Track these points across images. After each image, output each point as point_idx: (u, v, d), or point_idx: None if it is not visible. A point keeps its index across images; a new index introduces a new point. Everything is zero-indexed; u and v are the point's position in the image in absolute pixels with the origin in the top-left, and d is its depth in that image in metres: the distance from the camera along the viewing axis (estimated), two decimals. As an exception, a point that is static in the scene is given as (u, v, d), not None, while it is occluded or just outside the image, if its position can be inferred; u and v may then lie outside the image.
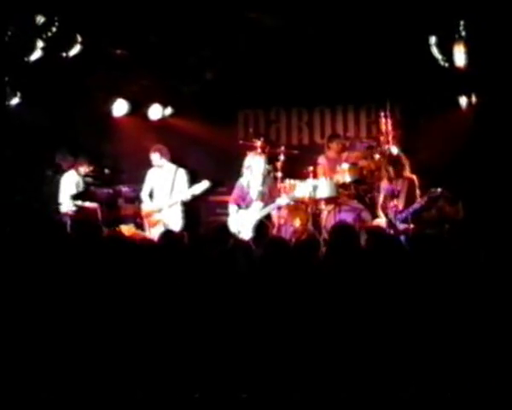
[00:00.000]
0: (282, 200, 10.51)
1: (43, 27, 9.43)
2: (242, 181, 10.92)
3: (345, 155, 11.49)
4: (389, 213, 9.96)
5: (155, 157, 11.17)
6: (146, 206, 11.19)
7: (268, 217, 10.50)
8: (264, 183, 10.68)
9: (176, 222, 10.92)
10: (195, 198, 11.17)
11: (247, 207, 10.67)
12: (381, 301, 4.93)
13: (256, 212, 10.51)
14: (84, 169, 11.11)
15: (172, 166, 11.18)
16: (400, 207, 9.98)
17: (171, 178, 11.08)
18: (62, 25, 9.54)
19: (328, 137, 12.07)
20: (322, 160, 11.56)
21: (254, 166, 10.74)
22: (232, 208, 10.78)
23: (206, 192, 11.21)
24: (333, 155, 11.56)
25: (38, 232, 7.42)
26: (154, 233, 10.30)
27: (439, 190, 9.70)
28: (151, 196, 11.24)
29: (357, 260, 5.60)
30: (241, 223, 10.41)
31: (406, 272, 5.31)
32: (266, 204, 10.55)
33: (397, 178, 10.12)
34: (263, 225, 10.01)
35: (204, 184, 10.77)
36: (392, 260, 5.57)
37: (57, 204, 10.87)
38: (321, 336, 4.82)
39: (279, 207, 10.58)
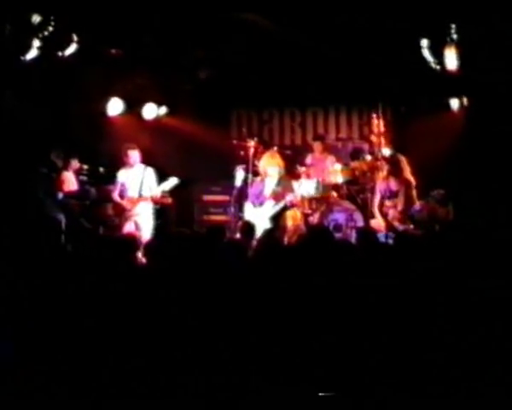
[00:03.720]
0: (290, 196, 10.56)
1: (39, 27, 9.49)
2: (258, 180, 10.96)
3: (330, 157, 11.57)
4: (388, 214, 10.03)
5: (135, 155, 10.85)
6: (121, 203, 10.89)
7: (279, 219, 10.60)
8: (279, 183, 10.69)
9: (147, 220, 10.78)
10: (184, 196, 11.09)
11: (261, 205, 10.68)
12: (369, 301, 4.97)
13: (268, 209, 10.56)
14: (74, 166, 11.10)
15: (141, 165, 10.90)
16: (399, 207, 10.03)
17: (140, 176, 10.83)
18: (58, 24, 9.60)
19: (312, 139, 12.22)
20: (308, 160, 11.70)
21: (270, 169, 10.80)
22: (248, 206, 10.81)
23: (195, 189, 11.07)
24: (317, 156, 11.67)
25: (34, 230, 7.45)
26: (126, 229, 10.33)
27: (440, 192, 9.81)
28: (121, 196, 10.89)
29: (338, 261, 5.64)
30: (256, 220, 10.43)
31: (393, 272, 5.38)
32: (278, 202, 10.59)
33: (393, 178, 10.17)
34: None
35: (173, 181, 10.72)
36: (379, 260, 5.64)
37: (52, 201, 10.90)
38: (310, 336, 4.85)
39: (291, 205, 10.66)
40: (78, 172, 11.25)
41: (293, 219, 10.69)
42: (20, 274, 5.34)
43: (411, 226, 9.70)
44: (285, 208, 10.58)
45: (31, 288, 5.16)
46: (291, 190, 10.63)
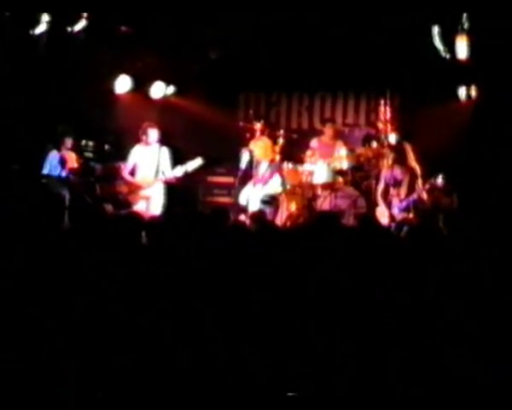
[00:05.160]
0: (268, 189, 10.83)
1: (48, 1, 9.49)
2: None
3: (340, 142, 11.55)
4: (392, 202, 9.98)
5: (154, 134, 10.86)
6: (134, 181, 10.90)
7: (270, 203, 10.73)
8: (268, 167, 10.86)
9: (158, 199, 10.80)
10: (188, 176, 11.04)
11: (254, 185, 10.87)
12: (373, 291, 4.95)
13: (259, 192, 10.76)
14: (67, 145, 11.06)
15: (156, 145, 10.90)
16: (402, 196, 9.91)
17: (156, 156, 10.83)
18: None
19: (322, 122, 12.19)
20: (314, 143, 11.62)
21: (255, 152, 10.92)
22: (249, 185, 10.95)
23: (201, 170, 11.20)
24: (326, 140, 11.62)
25: (38, 205, 7.43)
26: (137, 209, 10.23)
27: (439, 180, 9.68)
28: (132, 173, 10.93)
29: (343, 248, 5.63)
30: (250, 201, 10.70)
31: (398, 261, 5.36)
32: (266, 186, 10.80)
33: (398, 166, 10.09)
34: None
35: (197, 162, 10.73)
36: (383, 248, 5.63)
37: (56, 177, 10.90)
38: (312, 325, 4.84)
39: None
40: (76, 150, 11.16)
41: (296, 203, 10.74)
42: (21, 251, 5.32)
43: (410, 215, 9.64)
44: (273, 198, 10.77)
45: (30, 264, 5.14)
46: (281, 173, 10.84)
